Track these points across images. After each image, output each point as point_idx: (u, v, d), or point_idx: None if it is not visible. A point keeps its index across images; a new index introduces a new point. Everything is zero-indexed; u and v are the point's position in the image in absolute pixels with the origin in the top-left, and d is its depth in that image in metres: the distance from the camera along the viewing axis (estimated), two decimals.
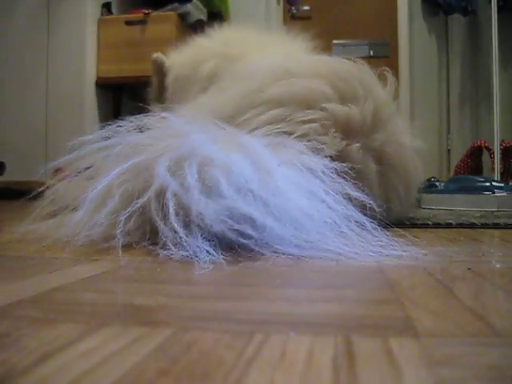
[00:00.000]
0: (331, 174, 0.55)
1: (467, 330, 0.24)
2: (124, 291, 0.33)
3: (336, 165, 0.58)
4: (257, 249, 0.43)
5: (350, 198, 0.53)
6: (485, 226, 0.83)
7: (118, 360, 0.19)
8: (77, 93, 2.07)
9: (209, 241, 0.43)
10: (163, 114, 0.61)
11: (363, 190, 0.56)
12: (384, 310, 0.28)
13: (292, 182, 0.49)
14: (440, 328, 0.24)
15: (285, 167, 0.51)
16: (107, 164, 0.50)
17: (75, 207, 0.51)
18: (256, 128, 0.69)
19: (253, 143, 0.51)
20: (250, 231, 0.42)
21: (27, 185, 0.99)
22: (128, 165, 0.48)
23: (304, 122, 0.69)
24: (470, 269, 0.41)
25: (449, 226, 0.83)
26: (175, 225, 0.42)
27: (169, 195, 0.44)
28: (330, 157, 0.68)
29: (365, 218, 0.51)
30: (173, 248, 0.42)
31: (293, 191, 0.47)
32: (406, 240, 0.50)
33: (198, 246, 0.41)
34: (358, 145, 0.70)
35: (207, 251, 0.41)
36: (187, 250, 0.41)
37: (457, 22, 2.80)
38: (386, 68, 0.80)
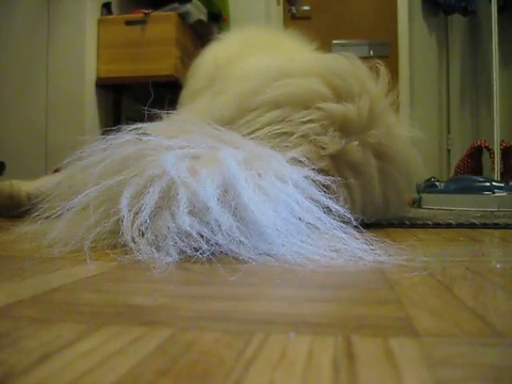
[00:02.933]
0: (308, 186, 0.56)
1: (467, 330, 0.24)
2: (124, 291, 0.33)
3: (318, 177, 0.59)
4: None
5: (328, 209, 0.54)
6: (485, 226, 0.84)
7: (118, 360, 0.19)
8: (77, 93, 2.07)
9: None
10: (155, 125, 0.62)
11: (343, 202, 0.57)
12: (384, 310, 0.28)
13: (265, 193, 0.51)
14: (440, 328, 0.24)
15: (260, 180, 0.52)
16: (92, 180, 0.52)
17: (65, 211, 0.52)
18: (257, 129, 0.69)
19: (229, 158, 0.53)
20: (188, 248, 0.45)
21: None
22: (107, 185, 0.51)
23: (303, 123, 0.69)
24: (468, 268, 0.41)
25: (449, 226, 0.83)
26: (140, 240, 0.46)
27: (126, 220, 0.47)
28: (330, 156, 0.69)
29: (342, 225, 0.52)
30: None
31: (260, 204, 0.49)
32: (387, 244, 0.50)
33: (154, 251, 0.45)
34: (356, 142, 0.70)
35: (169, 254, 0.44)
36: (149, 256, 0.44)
37: (457, 21, 2.80)
38: (379, 61, 0.80)
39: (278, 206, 0.50)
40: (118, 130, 0.58)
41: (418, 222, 0.85)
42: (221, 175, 0.50)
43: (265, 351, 0.21)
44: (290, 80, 0.73)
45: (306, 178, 0.57)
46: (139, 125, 0.60)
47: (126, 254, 0.45)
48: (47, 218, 0.54)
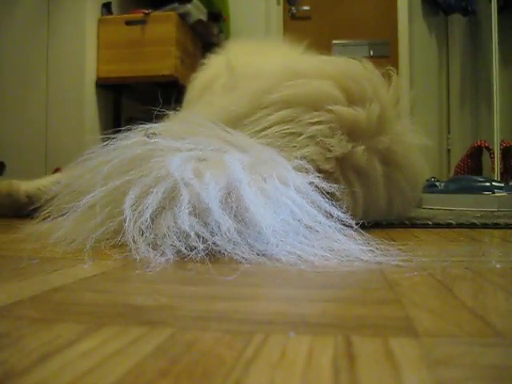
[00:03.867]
0: (311, 191, 0.56)
1: (467, 329, 0.24)
2: (124, 291, 0.33)
3: (321, 183, 0.59)
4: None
5: (330, 214, 0.54)
6: (485, 226, 0.84)
7: (118, 360, 0.19)
8: (77, 93, 2.07)
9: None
10: (163, 125, 0.63)
11: (346, 207, 0.57)
12: (384, 310, 0.28)
13: (266, 197, 0.51)
14: (440, 328, 0.24)
15: (263, 184, 0.53)
16: (100, 180, 0.53)
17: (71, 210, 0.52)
18: (266, 128, 0.69)
19: (235, 162, 0.53)
20: (184, 248, 0.45)
21: None
22: (114, 185, 0.51)
23: (312, 124, 0.69)
24: (468, 268, 0.41)
25: (449, 226, 0.83)
26: (141, 242, 0.46)
27: (129, 220, 0.48)
28: (336, 158, 0.69)
29: (342, 228, 0.52)
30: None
31: (260, 206, 0.49)
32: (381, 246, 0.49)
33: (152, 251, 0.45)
34: (362, 147, 0.70)
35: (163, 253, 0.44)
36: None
37: (457, 21, 2.80)
38: (391, 68, 0.80)
39: (278, 209, 0.50)
40: (127, 130, 0.59)
41: (418, 222, 0.85)
42: (225, 178, 0.50)
43: (265, 351, 0.21)
44: (303, 81, 0.73)
45: (310, 183, 0.57)
46: (147, 125, 0.60)
47: (127, 253, 0.45)
48: (55, 217, 0.55)
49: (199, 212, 0.48)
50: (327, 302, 0.31)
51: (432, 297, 0.32)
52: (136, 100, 2.38)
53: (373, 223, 0.75)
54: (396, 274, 0.38)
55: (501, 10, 2.11)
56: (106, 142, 0.58)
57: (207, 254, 0.44)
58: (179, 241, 0.45)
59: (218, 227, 0.46)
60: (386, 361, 0.20)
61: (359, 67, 0.78)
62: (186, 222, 0.46)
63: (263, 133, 0.69)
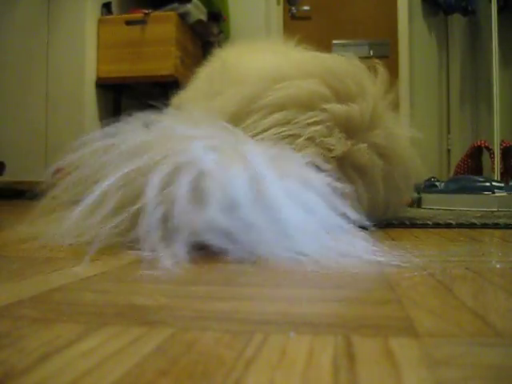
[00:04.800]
0: (328, 190, 0.56)
1: (467, 329, 0.24)
2: (124, 291, 0.33)
3: (334, 182, 0.58)
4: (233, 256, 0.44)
5: (343, 214, 0.54)
6: (485, 226, 0.84)
7: (118, 360, 0.19)
8: (77, 93, 2.07)
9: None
10: (170, 114, 0.62)
11: (355, 207, 0.57)
12: (384, 310, 0.28)
13: (289, 195, 0.50)
14: (440, 328, 0.24)
15: (284, 181, 0.52)
16: (109, 165, 0.50)
17: (75, 205, 0.51)
18: (262, 131, 0.69)
19: (255, 155, 0.52)
20: (215, 243, 0.44)
21: (28, 184, 0.99)
22: (126, 170, 0.49)
23: (309, 125, 0.69)
24: (468, 268, 0.41)
25: (449, 226, 0.83)
26: (154, 234, 0.44)
27: (151, 207, 0.45)
28: (337, 157, 0.69)
29: (348, 227, 0.52)
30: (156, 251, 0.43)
31: (287, 205, 0.48)
32: (401, 246, 0.50)
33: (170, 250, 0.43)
34: (365, 145, 0.70)
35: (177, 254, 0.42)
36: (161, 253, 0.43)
37: (457, 21, 2.80)
38: (377, 61, 0.80)
39: (298, 206, 0.50)
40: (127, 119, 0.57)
41: (418, 222, 0.85)
42: (248, 172, 0.49)
43: (265, 351, 0.21)
44: (290, 82, 0.73)
45: (325, 182, 0.57)
46: (152, 116, 0.59)
47: (127, 253, 0.45)
48: (58, 211, 0.54)
49: (228, 208, 0.45)
50: (327, 301, 0.31)
51: (432, 297, 0.32)
52: (136, 100, 2.38)
53: (375, 223, 0.75)
54: (396, 274, 0.38)
55: (501, 10, 2.11)
56: (107, 128, 0.56)
57: (214, 254, 0.44)
58: (210, 237, 0.44)
59: (249, 225, 0.44)
60: (386, 361, 0.20)
61: (342, 63, 0.77)
62: (217, 217, 0.44)
63: (260, 136, 0.69)
